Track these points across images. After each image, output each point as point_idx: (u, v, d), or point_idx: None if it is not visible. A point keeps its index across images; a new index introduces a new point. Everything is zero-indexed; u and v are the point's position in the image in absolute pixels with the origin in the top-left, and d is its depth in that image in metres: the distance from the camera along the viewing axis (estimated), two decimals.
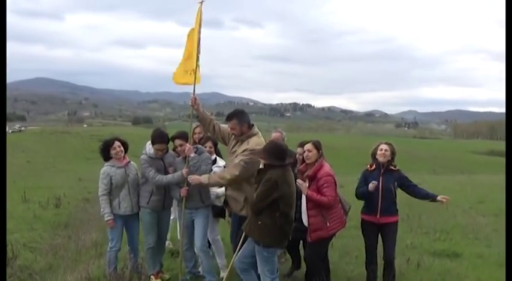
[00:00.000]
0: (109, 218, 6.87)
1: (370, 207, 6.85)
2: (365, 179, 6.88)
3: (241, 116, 6.35)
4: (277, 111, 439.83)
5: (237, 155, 6.36)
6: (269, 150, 5.58)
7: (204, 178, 6.38)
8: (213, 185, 6.51)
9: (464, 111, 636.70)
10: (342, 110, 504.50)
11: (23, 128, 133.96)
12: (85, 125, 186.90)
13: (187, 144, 6.73)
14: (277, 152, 5.53)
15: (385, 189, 6.75)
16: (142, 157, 6.78)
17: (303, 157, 6.63)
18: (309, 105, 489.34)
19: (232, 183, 6.31)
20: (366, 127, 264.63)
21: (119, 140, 7.06)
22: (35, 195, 17.84)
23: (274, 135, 8.31)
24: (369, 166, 6.99)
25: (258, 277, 5.79)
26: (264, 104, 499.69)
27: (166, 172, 6.79)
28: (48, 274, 7.85)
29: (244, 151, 6.15)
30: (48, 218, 13.04)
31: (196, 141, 7.79)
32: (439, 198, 6.62)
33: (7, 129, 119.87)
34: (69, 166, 49.82)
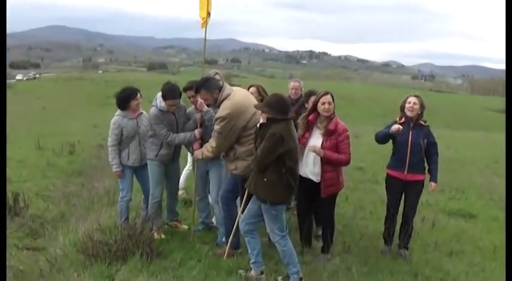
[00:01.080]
0: (118, 169, 6.71)
1: (398, 162, 6.56)
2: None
3: (208, 84, 5.87)
4: (293, 58, 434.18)
5: None
6: (272, 103, 5.22)
7: (197, 153, 6.16)
8: (208, 157, 6.13)
9: (481, 67, 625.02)
10: (359, 59, 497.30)
11: (37, 76, 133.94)
12: (100, 71, 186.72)
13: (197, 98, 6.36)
14: (280, 106, 5.19)
15: (414, 144, 6.44)
16: (152, 110, 6.38)
17: (313, 107, 6.19)
18: (325, 54, 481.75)
19: (218, 152, 5.99)
20: (382, 77, 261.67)
21: (138, 91, 6.80)
22: (49, 142, 17.79)
23: (293, 84, 8.00)
24: (398, 119, 6.59)
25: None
26: (280, 51, 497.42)
27: (177, 126, 6.47)
28: (60, 223, 7.80)
29: (216, 119, 5.78)
30: (61, 166, 12.98)
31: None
32: (431, 187, 6.68)
33: (22, 77, 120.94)
34: (84, 112, 49.93)
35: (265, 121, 5.19)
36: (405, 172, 6.48)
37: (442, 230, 8.04)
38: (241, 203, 5.76)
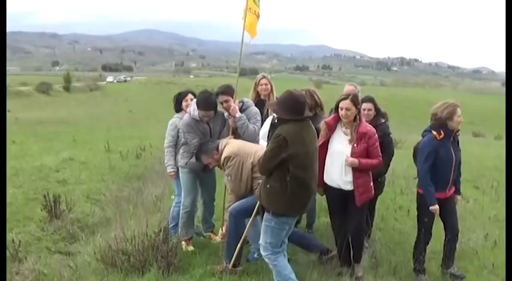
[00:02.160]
0: (172, 170, 6.77)
1: (441, 183, 5.98)
2: (435, 149, 5.88)
3: (204, 149, 5.85)
4: (383, 65, 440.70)
5: None
6: (281, 102, 4.84)
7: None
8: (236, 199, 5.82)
9: None
10: (449, 66, 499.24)
11: (128, 78, 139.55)
12: (191, 76, 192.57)
13: (232, 101, 6.13)
14: (290, 104, 4.75)
15: (457, 160, 5.99)
16: (185, 118, 6.23)
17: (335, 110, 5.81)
18: (416, 60, 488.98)
19: (237, 196, 5.73)
20: (472, 84, 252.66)
21: (192, 93, 6.83)
22: (121, 145, 18.13)
23: (348, 88, 7.54)
24: (436, 134, 5.91)
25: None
26: (371, 58, 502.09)
27: (212, 136, 6.25)
28: (101, 228, 7.70)
29: (222, 165, 5.69)
30: (123, 169, 13.11)
31: (262, 95, 7.20)
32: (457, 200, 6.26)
33: (112, 79, 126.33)
34: (169, 116, 50.94)
35: (276, 121, 4.90)
36: (447, 191, 6.01)
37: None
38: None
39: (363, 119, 5.74)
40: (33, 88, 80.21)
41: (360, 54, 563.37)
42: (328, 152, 5.71)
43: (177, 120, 6.65)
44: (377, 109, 6.58)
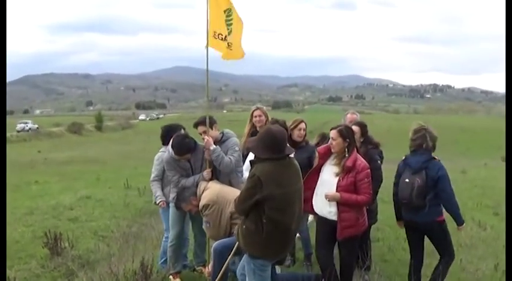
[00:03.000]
0: (161, 200, 6.80)
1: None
2: None
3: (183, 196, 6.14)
4: (417, 92, 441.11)
5: None
6: (259, 139, 4.73)
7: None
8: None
9: None
10: (482, 90, 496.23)
11: (161, 116, 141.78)
12: (225, 111, 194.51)
13: (211, 132, 6.26)
14: (267, 142, 4.60)
15: None
16: (166, 155, 6.29)
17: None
18: (448, 86, 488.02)
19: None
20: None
21: (183, 128, 6.89)
22: (142, 181, 18.28)
23: (349, 117, 7.57)
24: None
25: None
26: (404, 86, 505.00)
27: (193, 172, 6.31)
28: (101, 264, 7.79)
29: (201, 212, 5.85)
30: (137, 206, 13.27)
31: (257, 126, 7.30)
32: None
33: (145, 117, 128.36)
34: None
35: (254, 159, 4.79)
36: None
37: None
38: None
39: (354, 153, 5.61)
40: (65, 129, 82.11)
41: (392, 82, 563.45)
42: (318, 180, 5.72)
43: (163, 154, 6.64)
44: (365, 135, 6.58)
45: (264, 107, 7.62)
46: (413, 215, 5.81)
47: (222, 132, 6.46)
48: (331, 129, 5.68)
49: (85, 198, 14.57)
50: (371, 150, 6.51)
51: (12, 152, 39.84)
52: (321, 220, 5.70)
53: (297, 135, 6.97)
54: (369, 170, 5.57)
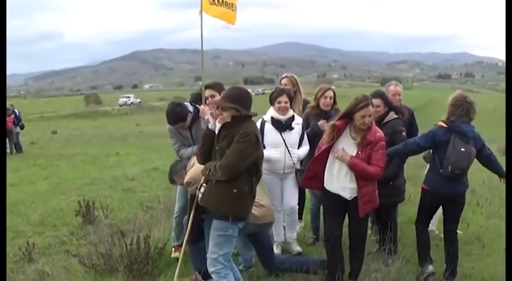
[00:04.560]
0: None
1: None
2: None
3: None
4: None
5: None
6: (237, 98, 4.60)
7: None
8: None
9: None
10: None
11: (267, 91, 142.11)
12: (333, 87, 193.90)
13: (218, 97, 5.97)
14: (247, 100, 4.59)
15: None
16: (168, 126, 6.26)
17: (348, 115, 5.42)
18: None
19: None
20: None
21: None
22: None
23: (392, 89, 7.01)
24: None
25: None
26: None
27: (194, 142, 6.12)
28: (132, 234, 7.92)
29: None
30: None
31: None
32: None
33: (250, 92, 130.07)
34: None
35: (229, 120, 4.58)
36: None
37: None
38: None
39: (374, 125, 5.32)
40: (168, 103, 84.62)
41: (502, 61, 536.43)
42: (332, 157, 5.41)
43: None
44: (389, 105, 6.16)
45: (295, 76, 7.27)
46: (454, 186, 5.56)
47: None
48: (365, 106, 5.22)
49: (152, 169, 14.91)
50: (395, 120, 6.10)
51: (109, 125, 41.87)
52: (334, 198, 5.37)
53: (323, 103, 6.69)
54: (384, 142, 5.27)
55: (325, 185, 5.35)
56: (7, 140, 21.26)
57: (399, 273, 5.59)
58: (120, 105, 74.20)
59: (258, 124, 6.16)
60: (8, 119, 20.81)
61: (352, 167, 5.15)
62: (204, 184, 4.67)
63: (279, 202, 6.39)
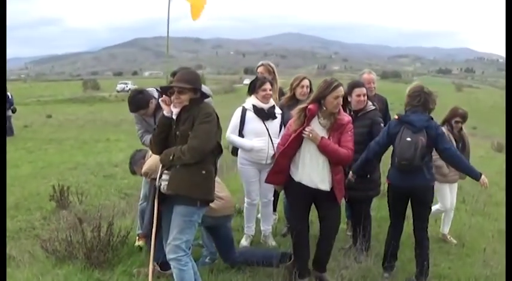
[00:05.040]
0: None
1: None
2: None
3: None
4: None
5: None
6: (193, 80, 4.56)
7: None
8: None
9: None
10: None
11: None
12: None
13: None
14: (200, 82, 4.62)
15: None
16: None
17: (319, 99, 5.29)
18: None
19: None
20: None
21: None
22: None
23: (366, 76, 6.94)
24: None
25: None
26: None
27: None
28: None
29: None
30: None
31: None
32: None
33: (249, 81, 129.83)
34: None
35: (187, 103, 4.48)
36: None
37: None
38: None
39: (341, 109, 5.21)
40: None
41: (503, 57, 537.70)
42: (302, 146, 5.24)
43: None
44: (367, 95, 6.08)
45: (272, 64, 7.15)
46: (412, 178, 5.38)
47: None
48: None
49: None
50: (373, 111, 6.04)
51: (105, 111, 41.69)
52: (299, 190, 5.23)
53: (299, 93, 6.56)
54: (351, 125, 5.21)
55: (293, 176, 5.21)
56: None
57: (368, 271, 5.54)
58: (118, 92, 73.74)
59: (238, 112, 6.14)
60: None
61: (323, 148, 5.03)
62: (166, 171, 4.57)
63: (256, 194, 6.31)
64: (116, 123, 31.71)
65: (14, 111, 22.29)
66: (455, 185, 7.11)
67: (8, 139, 20.40)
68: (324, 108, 5.06)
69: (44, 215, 8.24)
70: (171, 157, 4.43)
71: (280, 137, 5.65)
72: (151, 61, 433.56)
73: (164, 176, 4.57)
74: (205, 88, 6.25)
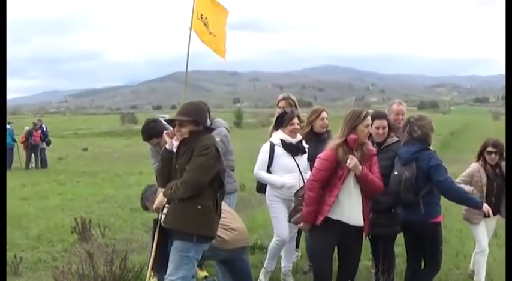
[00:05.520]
0: None
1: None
2: None
3: None
4: None
5: None
6: (195, 112, 4.59)
7: None
8: None
9: None
10: None
11: (304, 114, 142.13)
12: (370, 111, 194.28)
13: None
14: (204, 114, 4.70)
15: None
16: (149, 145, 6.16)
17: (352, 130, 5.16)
18: None
19: None
20: None
21: None
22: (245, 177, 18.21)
23: (395, 107, 6.61)
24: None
25: None
26: None
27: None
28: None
29: None
30: None
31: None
32: None
33: None
34: None
35: (187, 136, 4.48)
36: None
37: None
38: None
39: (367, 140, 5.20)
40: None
41: None
42: (345, 182, 5.00)
43: None
44: (390, 126, 5.92)
45: (293, 97, 7.09)
46: (407, 213, 5.27)
47: (211, 121, 6.12)
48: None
49: None
50: (396, 144, 5.76)
51: (141, 144, 42.09)
52: (332, 229, 4.98)
53: (319, 126, 6.43)
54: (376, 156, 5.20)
55: (332, 214, 4.96)
56: (32, 154, 21.77)
57: None
58: None
59: (266, 148, 6.05)
60: (35, 133, 21.39)
61: (363, 178, 4.94)
62: (167, 205, 4.54)
63: (286, 231, 5.99)
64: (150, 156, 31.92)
65: (48, 143, 22.78)
66: (492, 221, 6.51)
67: (41, 171, 20.97)
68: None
69: (65, 247, 8.28)
70: (169, 191, 4.44)
71: (309, 172, 5.50)
72: (189, 95, 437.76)
73: (165, 210, 4.58)
74: (220, 122, 6.22)
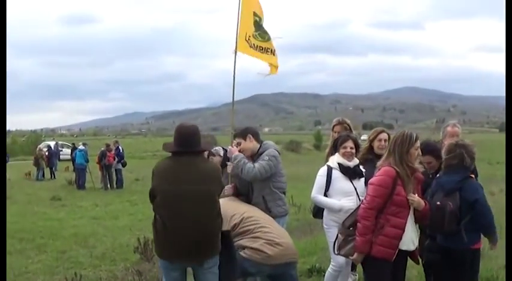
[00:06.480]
0: None
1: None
2: None
3: None
4: None
5: None
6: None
7: None
8: None
9: None
10: None
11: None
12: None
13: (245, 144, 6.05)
14: (174, 137, 4.78)
15: None
16: None
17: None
18: None
19: None
20: None
21: None
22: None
23: (450, 130, 6.65)
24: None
25: None
26: None
27: None
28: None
29: None
30: None
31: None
32: None
33: (366, 138, 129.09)
34: None
35: None
36: None
37: None
38: None
39: None
40: (283, 146, 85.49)
41: None
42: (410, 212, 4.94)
43: None
44: (440, 157, 5.71)
45: (347, 120, 7.15)
46: (447, 240, 5.07)
47: (260, 144, 6.09)
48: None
49: None
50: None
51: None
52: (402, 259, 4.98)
53: (377, 146, 6.39)
54: None
55: (403, 246, 4.87)
56: (100, 173, 23.00)
57: None
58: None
59: (323, 171, 5.99)
60: (109, 154, 22.00)
61: (425, 212, 4.90)
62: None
63: (343, 259, 5.73)
64: None
65: (124, 165, 23.42)
66: None
67: (116, 191, 21.52)
68: (405, 165, 4.82)
69: (126, 267, 8.37)
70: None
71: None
72: (270, 117, 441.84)
73: None
74: (270, 144, 6.16)
